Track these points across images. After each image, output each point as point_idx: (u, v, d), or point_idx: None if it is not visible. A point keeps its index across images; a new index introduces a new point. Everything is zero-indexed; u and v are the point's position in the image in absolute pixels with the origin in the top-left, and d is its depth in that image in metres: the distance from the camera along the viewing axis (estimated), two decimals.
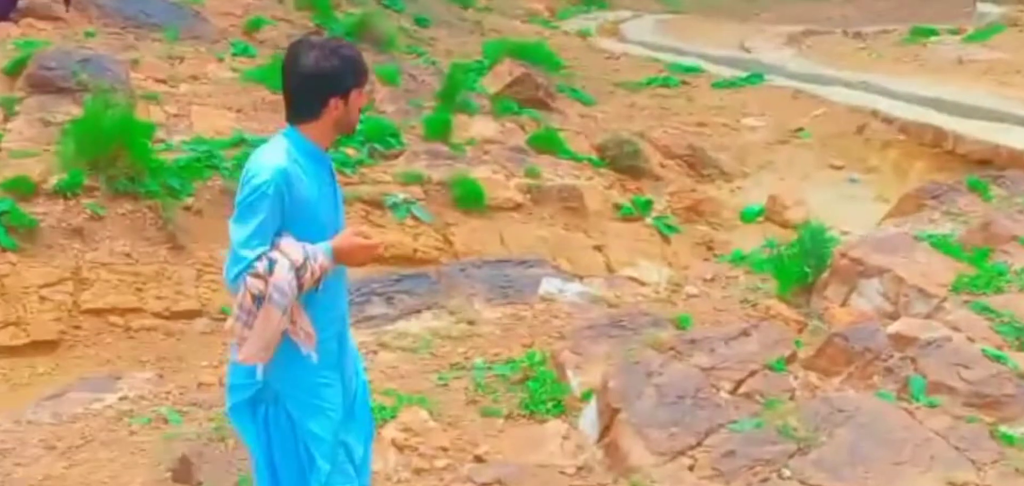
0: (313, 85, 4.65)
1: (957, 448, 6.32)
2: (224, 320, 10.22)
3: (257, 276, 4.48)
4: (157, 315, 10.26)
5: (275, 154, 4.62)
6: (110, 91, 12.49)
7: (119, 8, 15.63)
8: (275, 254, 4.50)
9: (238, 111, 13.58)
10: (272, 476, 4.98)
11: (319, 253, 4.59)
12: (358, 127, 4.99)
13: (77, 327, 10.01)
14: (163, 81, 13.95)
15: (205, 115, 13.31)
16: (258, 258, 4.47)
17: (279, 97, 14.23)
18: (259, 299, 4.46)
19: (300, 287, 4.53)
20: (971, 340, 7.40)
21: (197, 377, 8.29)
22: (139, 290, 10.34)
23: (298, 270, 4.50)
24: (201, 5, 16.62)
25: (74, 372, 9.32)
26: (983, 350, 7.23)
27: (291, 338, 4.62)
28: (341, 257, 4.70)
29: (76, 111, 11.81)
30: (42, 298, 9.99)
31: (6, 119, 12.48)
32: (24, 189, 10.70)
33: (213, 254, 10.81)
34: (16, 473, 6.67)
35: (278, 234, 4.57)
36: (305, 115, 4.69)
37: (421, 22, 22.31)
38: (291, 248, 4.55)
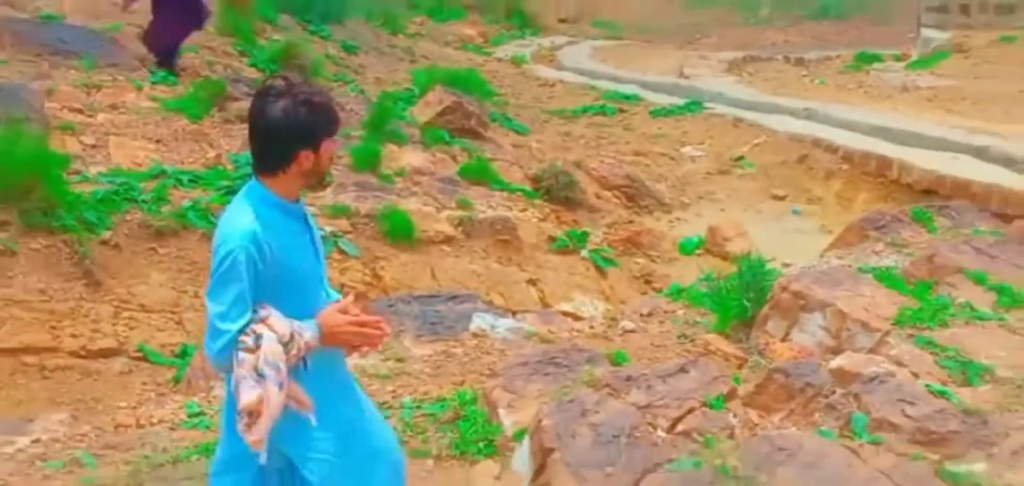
0: (282, 137, 4.54)
1: None
2: (143, 359, 10.26)
3: (248, 350, 4.43)
4: (73, 354, 10.13)
5: (242, 217, 4.53)
6: (24, 121, 12.32)
7: (34, 35, 15.47)
8: (261, 328, 4.45)
9: (157, 141, 13.50)
10: None
11: (306, 330, 4.56)
12: (329, 177, 4.88)
13: None
14: (79, 111, 13.82)
15: (123, 146, 13.19)
16: (242, 331, 4.44)
17: (200, 127, 14.26)
18: (261, 374, 4.39)
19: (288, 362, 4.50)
20: (915, 375, 7.47)
21: (114, 419, 8.22)
22: (54, 328, 10.21)
23: (286, 345, 4.47)
24: (118, 32, 16.50)
25: None
26: (927, 386, 7.29)
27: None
28: (328, 337, 4.66)
29: None
30: None
31: None
32: None
33: (131, 290, 10.75)
34: None
35: (259, 303, 4.54)
36: (272, 167, 4.61)
37: (349, 49, 22.21)
38: (278, 322, 4.51)
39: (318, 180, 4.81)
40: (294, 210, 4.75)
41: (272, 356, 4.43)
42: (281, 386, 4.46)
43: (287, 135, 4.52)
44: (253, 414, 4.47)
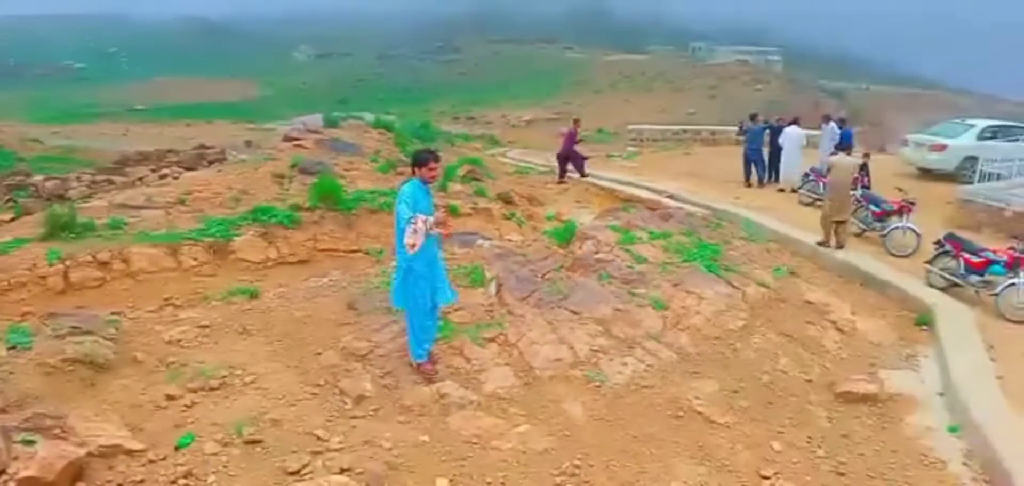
0: (411, 162, 4.75)
1: (618, 299, 6.43)
2: (366, 254, 10.02)
3: (412, 223, 4.49)
4: (343, 252, 10.07)
5: (406, 187, 4.67)
6: (327, 173, 12.12)
7: (331, 144, 15.16)
8: (418, 220, 4.56)
9: (373, 180, 13.28)
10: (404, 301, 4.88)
11: (428, 219, 4.64)
12: (432, 184, 4.85)
13: (314, 255, 9.80)
14: (347, 170, 13.55)
15: (360, 181, 12.91)
16: (410, 219, 4.50)
17: (387, 176, 13.51)
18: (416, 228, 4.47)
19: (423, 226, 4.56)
20: (623, 259, 7.52)
21: (354, 276, 8.15)
22: (336, 243, 10.16)
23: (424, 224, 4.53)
24: (360, 144, 16.18)
25: (314, 271, 9.07)
26: (628, 265, 7.35)
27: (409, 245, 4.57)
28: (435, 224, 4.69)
29: (314, 180, 11.44)
30: (302, 245, 9.72)
31: (289, 182, 12.13)
32: (295, 206, 10.39)
33: (363, 231, 10.52)
34: (289, 308, 6.54)
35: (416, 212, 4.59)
36: (415, 171, 4.69)
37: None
38: (421, 220, 4.58)
39: (429, 183, 4.76)
40: (426, 190, 4.79)
41: (421, 225, 4.56)
42: (425, 230, 4.58)
43: (412, 161, 4.75)
44: (413, 241, 4.51)
